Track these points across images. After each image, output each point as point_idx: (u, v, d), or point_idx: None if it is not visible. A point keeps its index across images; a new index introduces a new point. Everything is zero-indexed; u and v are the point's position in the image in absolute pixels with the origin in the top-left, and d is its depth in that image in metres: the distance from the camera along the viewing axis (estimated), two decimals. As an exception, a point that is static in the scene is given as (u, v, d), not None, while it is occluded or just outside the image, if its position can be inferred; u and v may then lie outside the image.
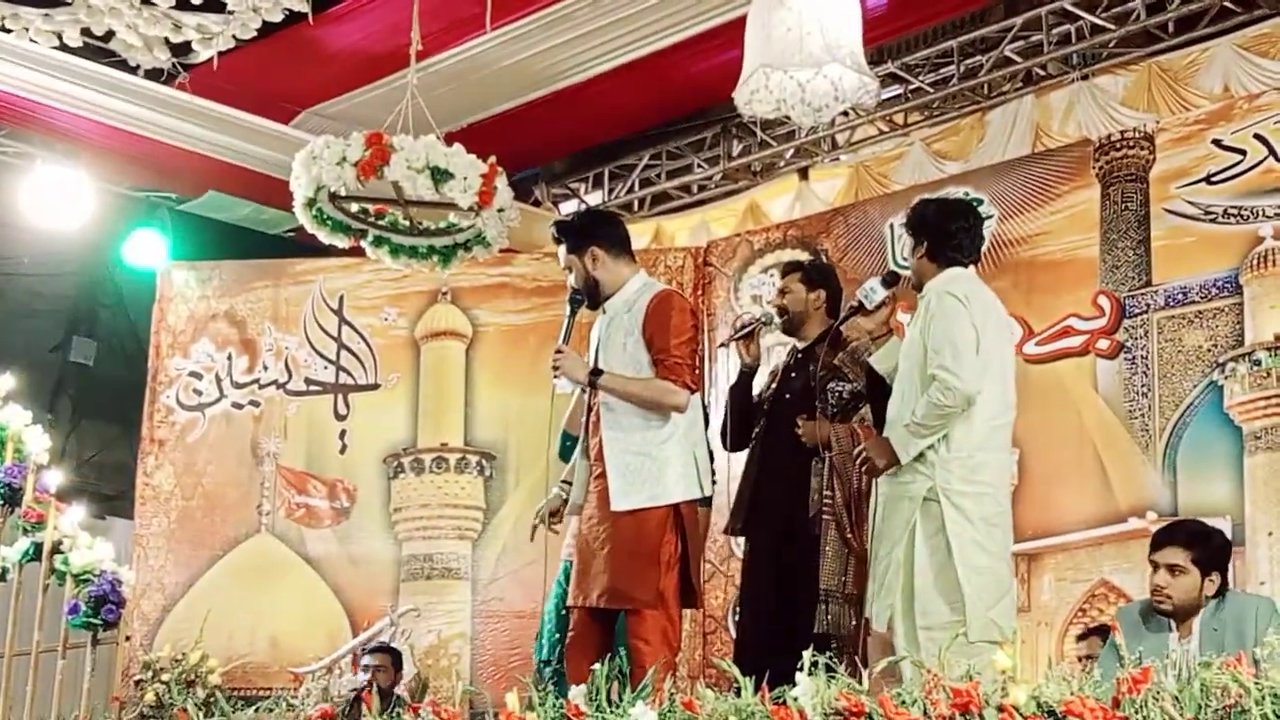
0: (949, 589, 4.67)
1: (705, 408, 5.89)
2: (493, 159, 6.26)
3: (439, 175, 6.05)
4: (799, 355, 5.76)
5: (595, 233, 5.15)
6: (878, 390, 5.20)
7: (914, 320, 5.04)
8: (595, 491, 4.91)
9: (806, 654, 3.62)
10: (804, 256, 8.48)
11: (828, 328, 5.59)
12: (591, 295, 5.07)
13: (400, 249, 6.65)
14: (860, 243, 8.43)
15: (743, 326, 5.80)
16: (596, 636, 4.85)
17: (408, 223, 6.60)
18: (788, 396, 5.64)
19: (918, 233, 5.07)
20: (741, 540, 5.97)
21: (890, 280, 5.24)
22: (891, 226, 8.19)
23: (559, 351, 4.93)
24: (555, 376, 4.91)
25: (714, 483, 5.75)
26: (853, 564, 5.37)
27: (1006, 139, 8.42)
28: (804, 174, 9.49)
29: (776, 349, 6.77)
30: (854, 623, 5.30)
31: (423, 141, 6.16)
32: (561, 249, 5.12)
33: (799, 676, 3.59)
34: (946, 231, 5.06)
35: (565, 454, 5.85)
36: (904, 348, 5.02)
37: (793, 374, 5.72)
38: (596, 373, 4.92)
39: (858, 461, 4.91)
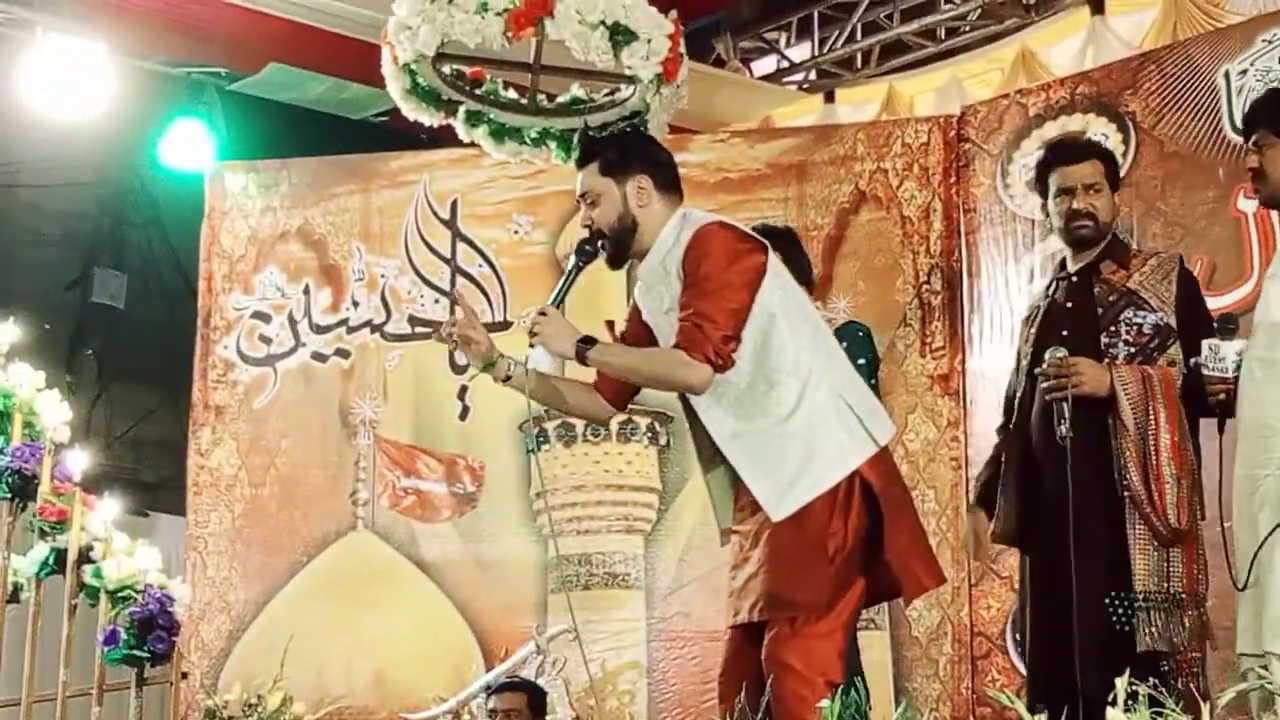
0: None
1: (860, 338, 6.20)
2: (674, 14, 6.17)
3: (620, 35, 6.00)
4: (1072, 279, 5.68)
5: (645, 155, 5.09)
6: None
7: None
8: (745, 505, 4.99)
9: (1121, 681, 3.58)
10: (1101, 125, 8.30)
11: (1113, 237, 5.70)
12: (620, 244, 4.99)
13: (504, 131, 6.59)
14: (1182, 100, 8.10)
15: None
16: (754, 660, 4.87)
17: (515, 95, 6.54)
18: (1065, 333, 5.57)
19: None
20: None
21: None
22: (1228, 76, 7.92)
23: (542, 313, 4.86)
24: (531, 345, 4.89)
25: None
26: (1174, 555, 5.35)
27: (1398, -55, 8.08)
28: (1098, 6, 9.35)
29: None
30: (1188, 635, 5.31)
31: None
32: (585, 173, 5.04)
33: (1109, 712, 3.57)
34: None
35: None
36: None
37: (1069, 303, 5.66)
38: (587, 341, 4.86)
39: None
